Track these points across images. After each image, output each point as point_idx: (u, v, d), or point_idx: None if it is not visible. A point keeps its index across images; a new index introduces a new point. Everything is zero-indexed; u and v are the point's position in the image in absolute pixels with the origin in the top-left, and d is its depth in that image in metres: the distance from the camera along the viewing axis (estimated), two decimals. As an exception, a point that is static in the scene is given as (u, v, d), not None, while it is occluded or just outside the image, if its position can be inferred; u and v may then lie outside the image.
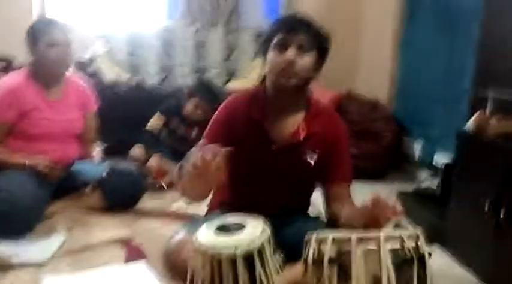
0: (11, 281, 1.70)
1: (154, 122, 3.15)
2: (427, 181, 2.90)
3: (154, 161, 2.96)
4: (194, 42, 4.02)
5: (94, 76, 2.79)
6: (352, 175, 1.71)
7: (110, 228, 2.19)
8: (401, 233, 1.19)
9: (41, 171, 2.16)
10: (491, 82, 2.22)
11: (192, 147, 3.11)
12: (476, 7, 2.74)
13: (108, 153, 2.94)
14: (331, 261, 1.19)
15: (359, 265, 1.16)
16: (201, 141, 1.64)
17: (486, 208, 1.84)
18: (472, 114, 2.21)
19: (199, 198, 1.64)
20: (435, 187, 2.56)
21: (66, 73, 2.42)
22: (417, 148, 3.43)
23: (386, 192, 2.74)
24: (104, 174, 2.34)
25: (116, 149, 3.00)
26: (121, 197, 2.42)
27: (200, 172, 1.33)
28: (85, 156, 2.48)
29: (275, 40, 1.58)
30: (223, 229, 1.28)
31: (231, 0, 4.07)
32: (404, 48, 3.85)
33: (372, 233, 1.18)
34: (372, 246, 1.17)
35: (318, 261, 1.21)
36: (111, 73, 3.70)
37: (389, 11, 3.91)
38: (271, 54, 1.59)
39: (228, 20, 4.09)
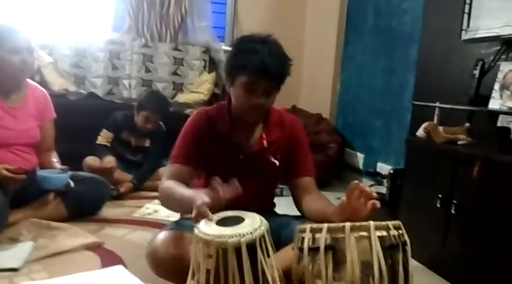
0: (-14, 287, 1.67)
1: (102, 139, 3.13)
2: (373, 187, 3.10)
3: (108, 161, 2.95)
4: (141, 55, 4.04)
5: (42, 86, 2.73)
6: (314, 169, 1.83)
7: (75, 235, 2.16)
8: (386, 222, 1.34)
9: (4, 177, 2.10)
10: (430, 97, 2.46)
11: (145, 157, 3.13)
12: (414, 29, 3.03)
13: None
14: (327, 248, 1.31)
15: (353, 251, 1.28)
16: (172, 155, 1.73)
17: (438, 205, 2.05)
18: (415, 125, 2.45)
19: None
20: (383, 192, 2.76)
21: (26, 79, 2.39)
22: (360, 158, 3.67)
23: (334, 198, 2.89)
24: (67, 182, 2.30)
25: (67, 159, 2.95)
26: (83, 205, 2.41)
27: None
28: (44, 164, 2.42)
29: (242, 80, 1.58)
30: (223, 222, 1.36)
31: (178, 16, 4.14)
32: (345, 64, 4.08)
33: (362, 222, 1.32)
34: (363, 233, 1.31)
35: (313, 248, 1.33)
36: (56, 84, 3.62)
37: (332, 29, 4.13)
38: (238, 92, 1.62)
39: (175, 35, 4.16)
